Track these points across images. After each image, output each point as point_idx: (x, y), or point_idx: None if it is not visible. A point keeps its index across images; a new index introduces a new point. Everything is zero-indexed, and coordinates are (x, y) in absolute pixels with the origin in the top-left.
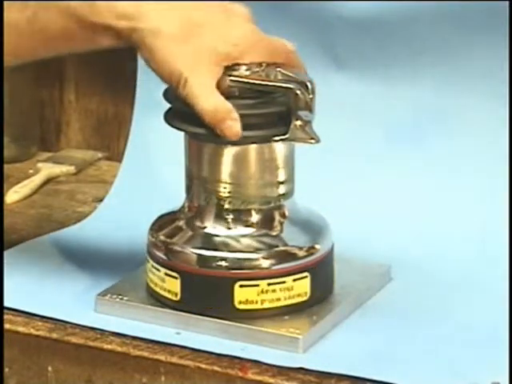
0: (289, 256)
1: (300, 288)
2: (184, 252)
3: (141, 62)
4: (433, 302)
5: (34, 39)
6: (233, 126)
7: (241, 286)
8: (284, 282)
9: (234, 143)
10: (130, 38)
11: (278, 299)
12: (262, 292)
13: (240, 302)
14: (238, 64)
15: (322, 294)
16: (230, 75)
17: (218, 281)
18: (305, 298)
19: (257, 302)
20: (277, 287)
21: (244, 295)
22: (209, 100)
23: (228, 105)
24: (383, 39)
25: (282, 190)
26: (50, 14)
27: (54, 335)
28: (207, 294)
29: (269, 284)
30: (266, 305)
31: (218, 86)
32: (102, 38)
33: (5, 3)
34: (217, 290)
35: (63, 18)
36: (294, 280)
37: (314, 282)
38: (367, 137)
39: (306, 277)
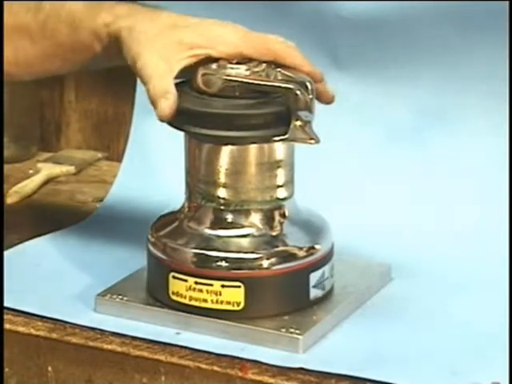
0: (289, 256)
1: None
2: (184, 252)
3: None
4: (433, 302)
5: (44, 46)
6: (164, 102)
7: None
8: (211, 285)
9: (234, 143)
10: (117, 38)
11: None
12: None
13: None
14: (226, 59)
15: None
16: (228, 75)
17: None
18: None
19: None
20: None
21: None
22: (151, 83)
23: (167, 86)
24: (383, 39)
25: (282, 190)
26: (58, 19)
27: (54, 335)
28: None
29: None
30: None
31: (194, 79)
32: (98, 42)
33: (18, 5)
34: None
35: (67, 24)
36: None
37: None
38: (367, 137)
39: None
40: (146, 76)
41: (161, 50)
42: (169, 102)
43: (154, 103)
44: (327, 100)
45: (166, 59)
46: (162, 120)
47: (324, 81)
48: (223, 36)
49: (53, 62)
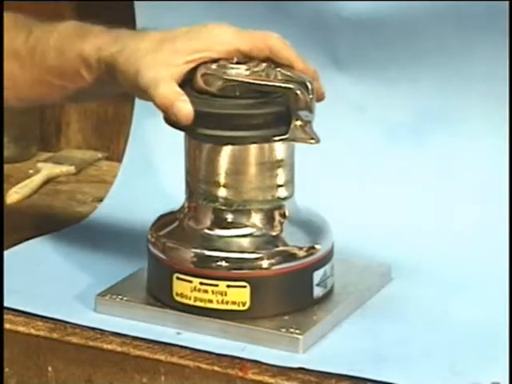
0: (289, 256)
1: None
2: (187, 252)
3: None
4: (433, 302)
5: (32, 70)
6: (182, 106)
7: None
8: (217, 285)
9: (234, 143)
10: (109, 64)
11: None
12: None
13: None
14: (224, 60)
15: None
16: (228, 75)
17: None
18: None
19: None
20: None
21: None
22: (159, 88)
23: (177, 89)
24: (383, 39)
25: (282, 190)
26: (47, 43)
27: (54, 335)
28: None
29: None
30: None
31: (194, 81)
32: (86, 67)
33: (8, 31)
34: None
35: (55, 49)
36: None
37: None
38: (367, 137)
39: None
40: (152, 85)
41: (158, 61)
42: (187, 103)
43: (168, 108)
44: (319, 97)
45: (165, 67)
46: (185, 123)
47: (317, 79)
48: (217, 36)
49: (41, 88)
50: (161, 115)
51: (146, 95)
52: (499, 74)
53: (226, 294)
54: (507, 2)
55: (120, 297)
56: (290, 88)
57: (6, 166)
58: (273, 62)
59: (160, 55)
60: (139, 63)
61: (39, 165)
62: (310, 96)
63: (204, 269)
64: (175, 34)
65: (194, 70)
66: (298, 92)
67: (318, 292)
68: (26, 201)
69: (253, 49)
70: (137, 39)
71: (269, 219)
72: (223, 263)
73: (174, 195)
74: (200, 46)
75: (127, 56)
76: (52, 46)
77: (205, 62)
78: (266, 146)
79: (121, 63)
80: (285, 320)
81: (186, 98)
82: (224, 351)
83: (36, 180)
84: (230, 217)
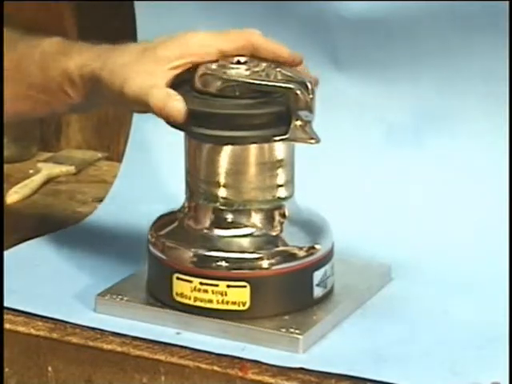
0: (289, 256)
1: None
2: (186, 252)
3: None
4: (433, 302)
5: (15, 85)
6: (174, 104)
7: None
8: (217, 285)
9: (234, 143)
10: (92, 79)
11: (211, 301)
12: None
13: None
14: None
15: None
16: (228, 75)
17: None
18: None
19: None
20: (208, 288)
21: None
22: (151, 93)
23: (169, 90)
24: (383, 39)
25: (282, 190)
26: (32, 59)
27: (54, 335)
28: None
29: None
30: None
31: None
32: (69, 84)
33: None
34: None
35: (38, 65)
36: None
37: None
38: (367, 137)
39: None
40: (141, 92)
41: (143, 71)
42: (180, 102)
43: (162, 110)
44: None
45: (150, 75)
46: (178, 121)
47: (304, 64)
48: (198, 41)
49: (26, 103)
50: None
51: (135, 104)
52: (499, 75)
53: (226, 294)
54: (507, 2)
55: (120, 297)
56: (290, 88)
57: (6, 166)
58: (256, 58)
59: (143, 65)
60: (124, 74)
61: (39, 165)
62: (310, 96)
63: (204, 269)
64: (155, 43)
65: (189, 72)
66: (298, 92)
67: (318, 292)
68: (26, 201)
69: (237, 48)
70: (117, 53)
71: (269, 219)
72: (223, 263)
73: (174, 195)
74: (182, 51)
75: (111, 69)
76: (36, 63)
77: (192, 67)
78: (266, 145)
79: (105, 77)
80: (285, 320)
81: (179, 97)
82: (224, 351)
83: (36, 180)
84: (230, 217)
